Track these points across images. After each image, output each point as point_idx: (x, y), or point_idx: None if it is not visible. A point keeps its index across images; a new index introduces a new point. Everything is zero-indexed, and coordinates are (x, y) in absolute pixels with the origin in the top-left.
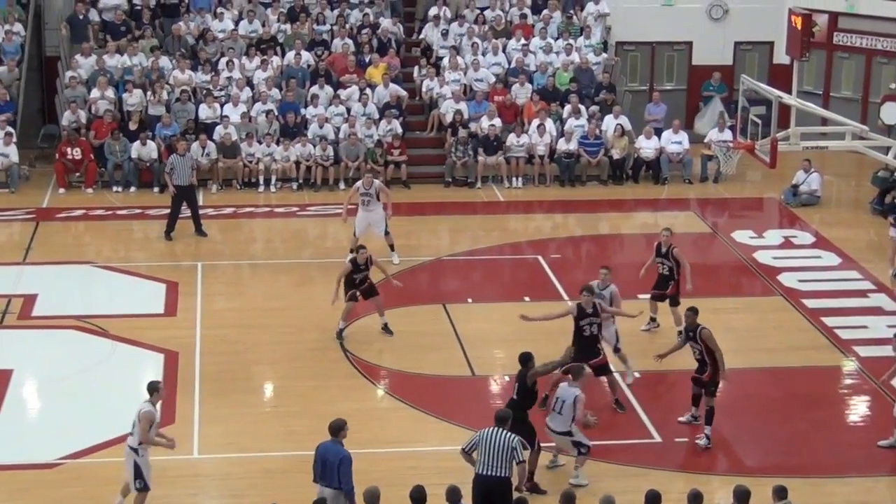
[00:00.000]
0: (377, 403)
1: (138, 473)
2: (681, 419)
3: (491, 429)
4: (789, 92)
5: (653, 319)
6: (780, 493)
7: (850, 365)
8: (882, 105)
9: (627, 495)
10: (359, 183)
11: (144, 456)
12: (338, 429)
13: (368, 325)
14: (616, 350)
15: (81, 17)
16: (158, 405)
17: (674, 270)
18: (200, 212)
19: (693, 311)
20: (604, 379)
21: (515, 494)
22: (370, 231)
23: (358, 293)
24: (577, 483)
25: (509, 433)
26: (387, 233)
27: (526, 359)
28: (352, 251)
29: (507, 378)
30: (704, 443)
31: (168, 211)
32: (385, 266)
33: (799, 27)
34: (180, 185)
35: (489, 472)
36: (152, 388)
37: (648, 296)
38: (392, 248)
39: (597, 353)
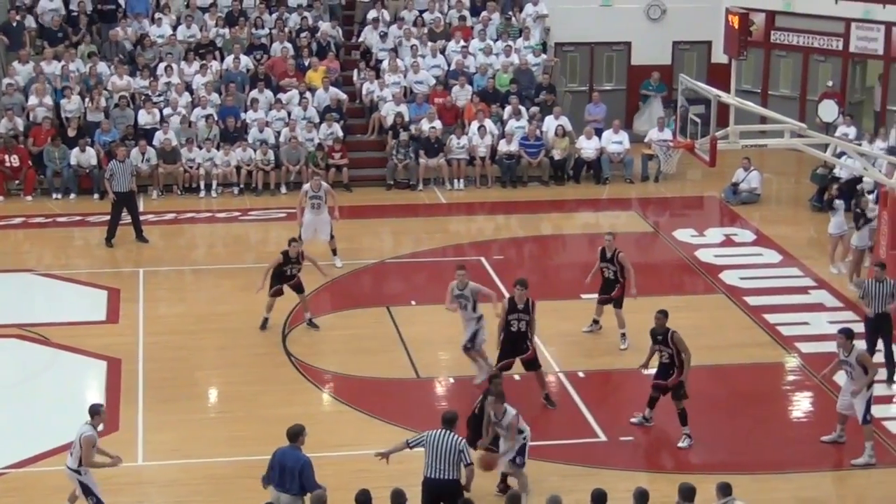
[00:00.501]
0: (322, 407)
1: (88, 491)
2: (632, 420)
3: (438, 431)
4: (728, 91)
5: (595, 321)
6: (725, 489)
7: (792, 361)
8: (820, 103)
9: (574, 494)
10: (307, 186)
11: (87, 474)
12: (296, 434)
13: (309, 330)
14: (465, 348)
15: (16, 23)
16: (100, 427)
17: (618, 274)
18: (141, 218)
19: (663, 314)
20: (533, 374)
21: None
22: (316, 237)
23: (283, 288)
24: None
25: (456, 435)
26: (331, 237)
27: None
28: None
29: (451, 380)
30: (688, 443)
31: (108, 218)
32: (325, 267)
33: (736, 26)
34: (120, 191)
35: (437, 476)
36: (94, 411)
37: (595, 297)
38: (335, 252)
39: (525, 349)
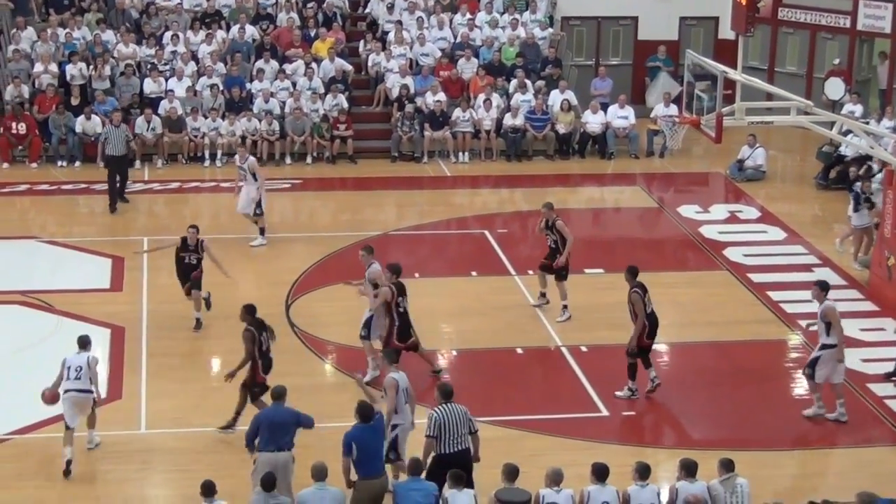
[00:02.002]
0: (325, 378)
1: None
2: (618, 394)
3: (446, 405)
4: (734, 67)
5: (542, 295)
6: (727, 465)
7: (795, 339)
8: (826, 80)
9: (575, 468)
10: (235, 157)
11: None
12: (282, 394)
13: (315, 299)
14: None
15: None
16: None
17: (559, 244)
18: (146, 186)
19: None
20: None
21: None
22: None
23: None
24: None
25: (460, 407)
26: (257, 214)
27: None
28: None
29: (454, 352)
30: (626, 394)
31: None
32: (221, 260)
33: (744, 2)
34: (115, 154)
35: (454, 449)
36: (86, 341)
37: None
38: (262, 231)
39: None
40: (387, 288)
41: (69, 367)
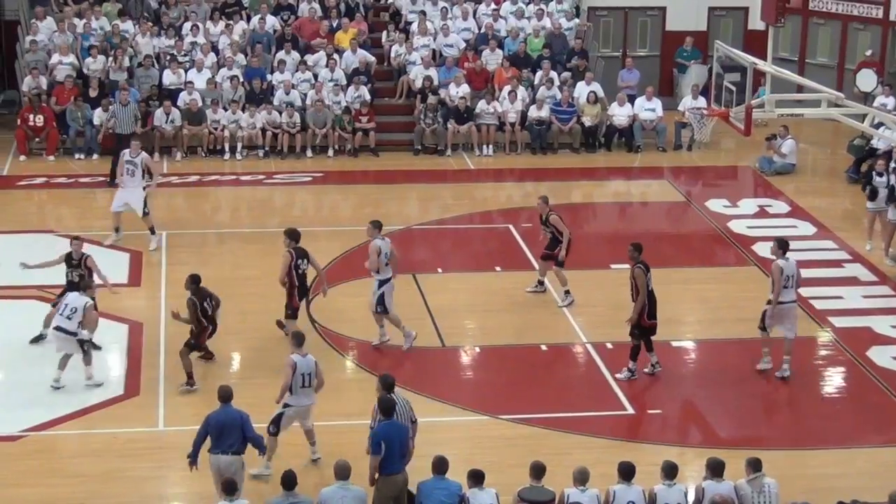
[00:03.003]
0: (345, 374)
1: (82, 344)
2: (618, 375)
3: (390, 395)
4: (764, 58)
5: (540, 283)
6: (755, 465)
7: (825, 336)
8: (857, 72)
9: (600, 467)
10: (126, 151)
11: (82, 333)
12: (230, 395)
13: (336, 294)
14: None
15: None
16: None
17: (556, 234)
18: (164, 179)
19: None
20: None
21: None
22: (129, 209)
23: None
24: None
25: (402, 397)
26: (145, 213)
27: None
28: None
29: (476, 349)
30: (626, 375)
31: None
32: (106, 276)
33: None
34: (122, 132)
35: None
36: (87, 285)
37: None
38: (151, 230)
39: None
40: (286, 252)
41: (66, 304)
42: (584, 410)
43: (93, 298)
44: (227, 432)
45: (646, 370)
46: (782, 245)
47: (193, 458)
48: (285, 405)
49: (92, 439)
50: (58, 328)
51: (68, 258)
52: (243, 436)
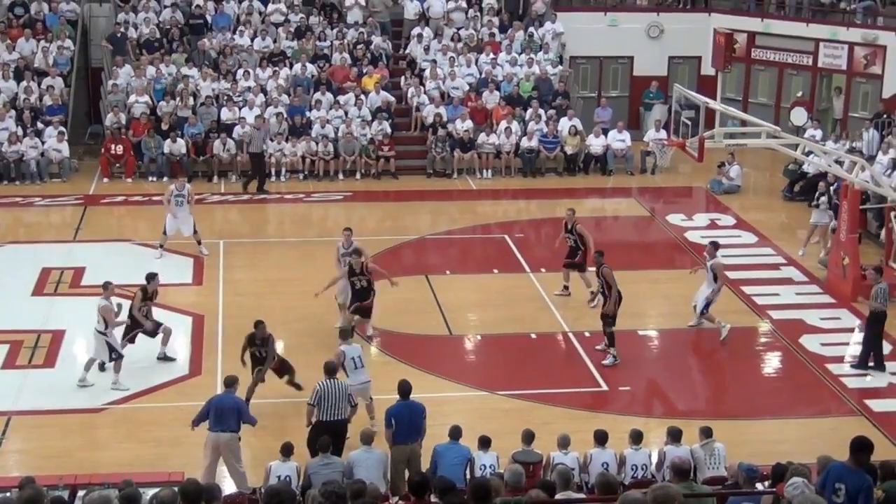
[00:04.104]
0: (371, 358)
1: (112, 349)
2: (605, 362)
3: (325, 381)
4: (714, 98)
5: (566, 287)
6: (707, 432)
7: (764, 326)
8: (791, 109)
9: (580, 434)
10: (172, 185)
11: (112, 335)
12: (232, 382)
13: None
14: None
15: (120, 35)
16: (112, 299)
17: (578, 242)
18: (223, 197)
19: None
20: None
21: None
22: (180, 233)
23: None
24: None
25: (341, 381)
26: (195, 231)
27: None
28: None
29: (478, 337)
30: (611, 361)
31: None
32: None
33: (723, 44)
34: (254, 152)
35: (334, 418)
36: (105, 286)
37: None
38: (199, 242)
39: (366, 297)
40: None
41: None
42: (566, 387)
43: (107, 299)
44: (225, 413)
45: (597, 347)
46: (716, 246)
47: (195, 423)
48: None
49: (163, 411)
50: (96, 330)
51: (144, 293)
52: (239, 418)
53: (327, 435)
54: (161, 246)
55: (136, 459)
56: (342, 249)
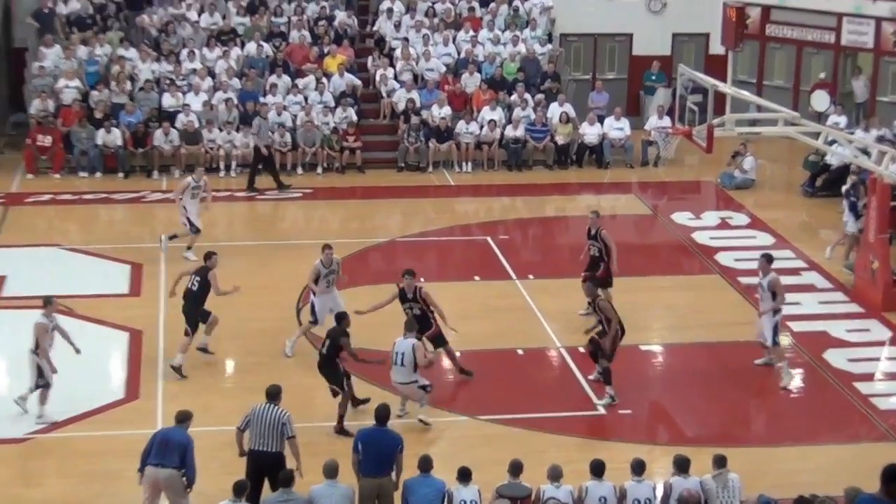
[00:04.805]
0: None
1: (40, 373)
2: (601, 402)
3: (263, 404)
4: (724, 81)
5: (590, 304)
6: (720, 461)
7: (784, 339)
8: (812, 93)
9: (573, 465)
10: (189, 178)
11: (43, 358)
12: (186, 417)
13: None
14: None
15: (47, 10)
16: (53, 315)
17: (602, 252)
18: (164, 196)
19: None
20: (441, 351)
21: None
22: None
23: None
24: (425, 420)
25: (280, 408)
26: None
27: (340, 317)
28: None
29: (457, 353)
30: (607, 401)
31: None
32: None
33: (733, 19)
34: (265, 145)
35: (261, 448)
36: (47, 301)
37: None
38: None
39: (429, 326)
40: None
41: None
42: (558, 411)
43: (46, 317)
44: (170, 448)
45: (591, 377)
46: (770, 259)
47: (140, 468)
48: None
49: (95, 441)
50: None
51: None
52: (183, 456)
53: (251, 470)
54: (189, 248)
55: (68, 497)
56: (323, 269)
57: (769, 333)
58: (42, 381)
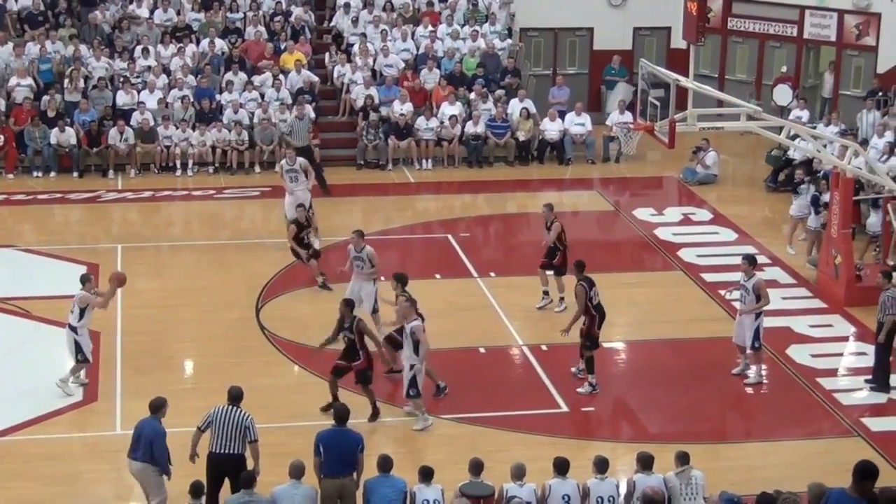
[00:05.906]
0: (294, 379)
1: (79, 349)
2: (580, 390)
3: (223, 406)
4: (686, 75)
5: (545, 294)
6: (683, 458)
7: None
8: (774, 87)
9: (537, 462)
10: (283, 161)
11: (83, 335)
12: (158, 407)
13: (286, 303)
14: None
15: None
16: (92, 292)
17: (557, 242)
18: (120, 195)
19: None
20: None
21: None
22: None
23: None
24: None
25: (242, 411)
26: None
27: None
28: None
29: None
30: (587, 390)
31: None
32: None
33: (695, 13)
34: (299, 145)
35: (221, 451)
36: (85, 279)
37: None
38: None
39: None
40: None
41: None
42: (520, 409)
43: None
44: (142, 441)
45: (573, 369)
46: (753, 262)
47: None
48: (411, 366)
49: (54, 443)
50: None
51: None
52: (151, 449)
53: (212, 472)
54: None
55: (29, 499)
56: (352, 252)
57: (749, 336)
58: (82, 357)
